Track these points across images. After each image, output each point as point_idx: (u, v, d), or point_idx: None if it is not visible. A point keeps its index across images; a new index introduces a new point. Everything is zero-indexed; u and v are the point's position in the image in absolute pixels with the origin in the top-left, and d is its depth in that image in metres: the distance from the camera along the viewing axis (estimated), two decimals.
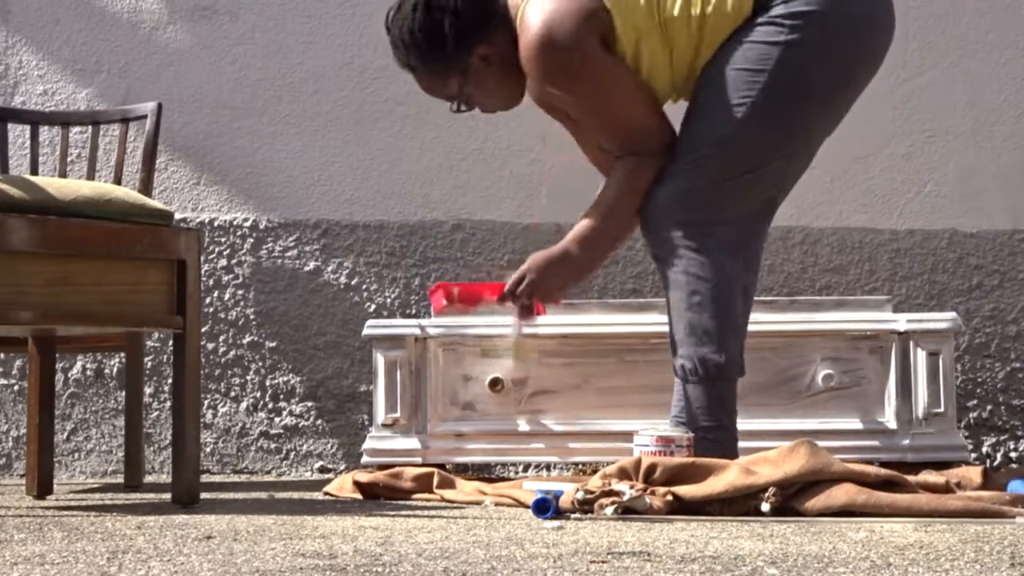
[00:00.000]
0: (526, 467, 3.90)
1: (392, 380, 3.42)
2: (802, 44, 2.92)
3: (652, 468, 2.79)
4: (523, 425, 3.44)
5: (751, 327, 3.21)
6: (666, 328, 3.26)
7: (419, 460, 3.39)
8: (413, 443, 3.42)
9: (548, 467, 3.89)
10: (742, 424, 3.15)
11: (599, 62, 2.93)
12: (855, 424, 3.39)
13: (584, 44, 2.91)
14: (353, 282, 3.95)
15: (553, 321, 3.42)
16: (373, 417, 3.44)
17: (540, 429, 3.44)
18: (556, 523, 2.53)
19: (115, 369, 3.96)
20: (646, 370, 3.41)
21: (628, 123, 2.98)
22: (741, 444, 3.12)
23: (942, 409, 3.35)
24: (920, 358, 3.37)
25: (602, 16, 2.92)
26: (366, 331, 3.43)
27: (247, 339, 3.96)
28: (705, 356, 2.97)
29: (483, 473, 3.82)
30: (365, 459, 3.42)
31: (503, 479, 3.48)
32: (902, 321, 3.38)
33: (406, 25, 3.00)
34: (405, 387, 3.42)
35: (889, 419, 3.38)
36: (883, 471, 2.87)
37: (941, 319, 3.40)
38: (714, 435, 3.00)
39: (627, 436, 3.16)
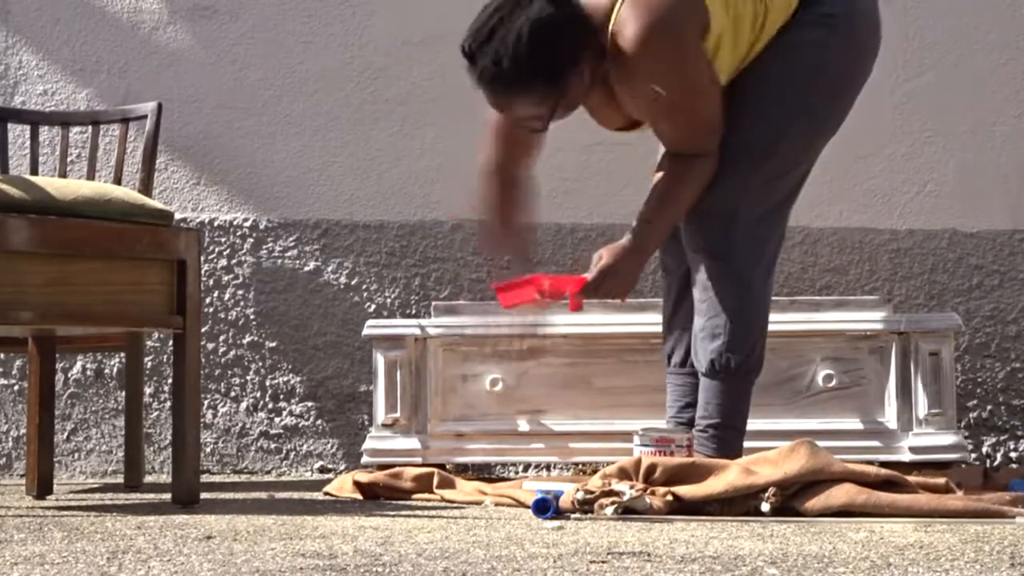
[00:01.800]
0: (526, 467, 3.90)
1: (392, 380, 3.42)
2: (844, 45, 2.99)
3: (652, 468, 2.79)
4: (523, 425, 3.44)
5: None
6: None
7: (419, 460, 3.39)
8: (413, 443, 3.41)
9: (548, 467, 3.89)
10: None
11: (701, 56, 2.90)
12: (855, 424, 3.39)
13: (692, 35, 2.88)
14: (353, 282, 3.95)
15: (554, 321, 3.42)
16: (373, 417, 3.43)
17: (540, 429, 3.44)
18: (556, 523, 2.53)
19: (115, 369, 3.96)
20: (646, 370, 3.41)
21: (705, 122, 2.96)
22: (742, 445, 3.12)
23: (942, 409, 3.35)
24: (920, 358, 3.36)
25: (703, 10, 2.88)
26: (366, 331, 3.43)
27: (247, 339, 3.96)
28: (741, 354, 2.99)
29: (483, 473, 3.82)
30: (365, 459, 3.42)
31: (503, 479, 3.48)
32: (902, 321, 3.38)
33: (511, 49, 2.82)
34: (405, 387, 3.42)
35: (889, 419, 3.38)
36: (883, 471, 2.87)
37: (941, 319, 3.40)
38: (723, 433, 3.01)
39: (627, 436, 3.16)
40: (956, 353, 3.80)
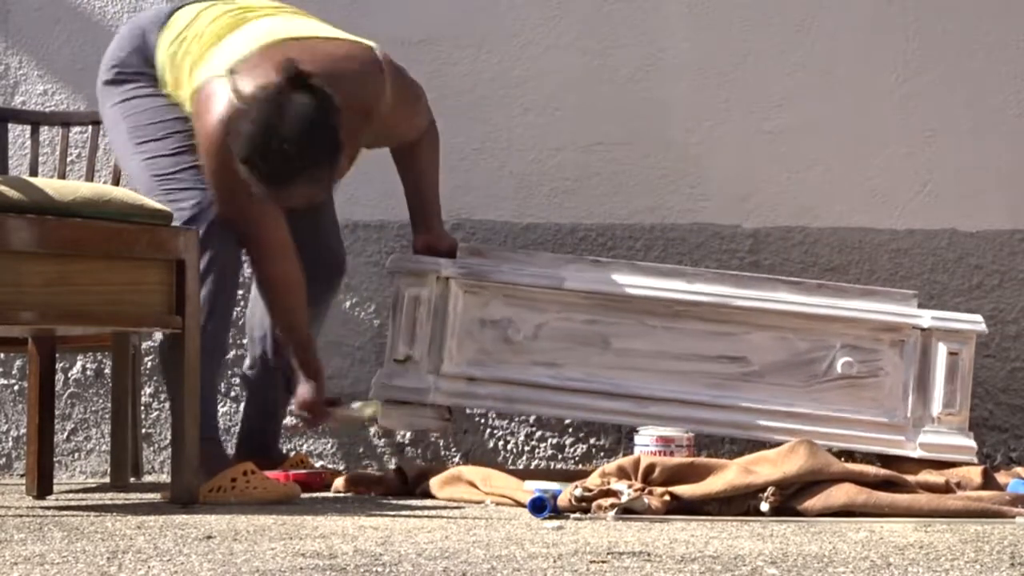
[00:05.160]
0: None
1: (411, 316, 3.38)
2: None
3: (651, 468, 2.79)
4: (536, 376, 3.40)
5: (776, 304, 3.35)
6: (693, 296, 3.36)
7: (428, 399, 3.36)
8: (424, 382, 3.38)
9: (557, 451, 3.89)
10: (757, 402, 3.18)
11: None
12: (868, 415, 3.38)
13: None
14: (353, 282, 3.95)
15: (579, 276, 3.40)
16: (387, 351, 3.41)
17: (553, 382, 3.39)
18: (556, 523, 2.53)
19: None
20: (666, 336, 3.39)
21: None
22: (754, 422, 3.15)
23: (956, 409, 3.35)
24: (940, 356, 3.36)
25: None
26: (390, 265, 3.43)
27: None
28: None
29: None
30: (373, 392, 3.39)
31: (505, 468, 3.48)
32: (927, 317, 3.37)
33: (312, 152, 3.01)
34: (422, 325, 3.39)
35: (903, 414, 3.37)
36: (882, 471, 2.88)
37: (965, 319, 3.39)
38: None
39: (639, 399, 3.15)
40: None
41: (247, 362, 3.48)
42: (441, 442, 3.89)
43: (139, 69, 3.25)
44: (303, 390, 3.23)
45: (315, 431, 3.82)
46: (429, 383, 3.38)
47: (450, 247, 3.47)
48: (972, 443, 3.35)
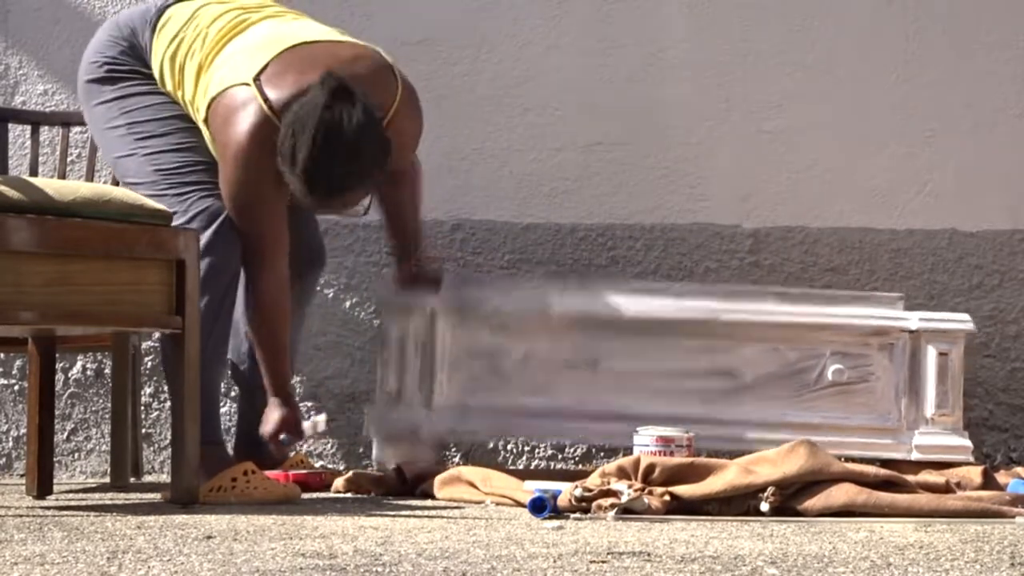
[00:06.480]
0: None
1: (400, 351, 3.39)
2: None
3: (651, 468, 2.79)
4: (528, 403, 3.40)
5: (763, 317, 3.36)
6: (680, 314, 3.36)
7: (422, 433, 3.36)
8: (417, 415, 3.38)
9: (557, 451, 3.89)
10: (750, 415, 3.18)
11: None
12: (861, 420, 3.38)
13: None
14: (353, 282, 3.95)
15: (565, 300, 3.40)
16: (378, 386, 3.41)
17: (545, 407, 3.40)
18: (556, 523, 2.53)
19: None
20: (655, 354, 3.39)
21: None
22: (748, 435, 3.15)
23: (949, 410, 3.35)
24: (930, 358, 3.36)
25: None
26: (377, 301, 3.43)
27: None
28: None
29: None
30: (365, 430, 3.40)
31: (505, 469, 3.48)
32: (914, 319, 3.38)
33: (368, 157, 3.02)
34: (411, 359, 3.39)
35: (896, 417, 3.37)
36: (883, 471, 2.88)
37: (953, 319, 3.40)
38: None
39: (632, 419, 3.15)
40: None
41: (236, 355, 3.45)
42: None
43: (133, 67, 3.25)
44: (277, 417, 3.18)
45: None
46: (421, 417, 3.38)
47: (435, 278, 3.47)
48: (967, 443, 3.35)
